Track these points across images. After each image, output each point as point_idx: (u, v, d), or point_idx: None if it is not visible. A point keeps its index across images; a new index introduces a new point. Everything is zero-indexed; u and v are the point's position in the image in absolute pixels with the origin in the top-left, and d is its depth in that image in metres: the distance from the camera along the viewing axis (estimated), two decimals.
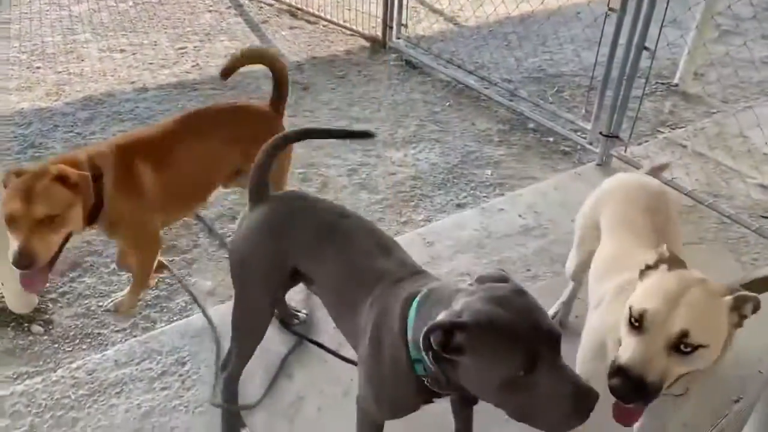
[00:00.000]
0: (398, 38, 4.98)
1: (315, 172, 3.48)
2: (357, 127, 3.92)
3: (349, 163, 3.59)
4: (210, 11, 5.62)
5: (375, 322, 1.55)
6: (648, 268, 1.49)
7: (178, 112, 3.89)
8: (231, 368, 2.04)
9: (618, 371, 1.34)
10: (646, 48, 3.28)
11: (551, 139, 3.94)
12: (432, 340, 1.26)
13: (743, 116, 3.86)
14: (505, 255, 2.92)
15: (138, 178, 2.19)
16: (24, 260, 1.88)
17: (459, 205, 3.33)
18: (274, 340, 2.39)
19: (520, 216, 3.19)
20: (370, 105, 4.21)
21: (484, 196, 3.40)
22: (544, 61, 4.96)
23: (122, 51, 4.73)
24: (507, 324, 1.24)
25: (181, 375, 2.24)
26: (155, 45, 4.86)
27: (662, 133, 4.08)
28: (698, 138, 3.92)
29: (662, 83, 4.67)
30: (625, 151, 3.60)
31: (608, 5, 3.35)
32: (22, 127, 3.67)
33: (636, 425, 1.79)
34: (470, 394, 1.39)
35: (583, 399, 1.24)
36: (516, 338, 1.23)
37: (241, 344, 2.00)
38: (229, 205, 3.15)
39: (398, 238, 2.94)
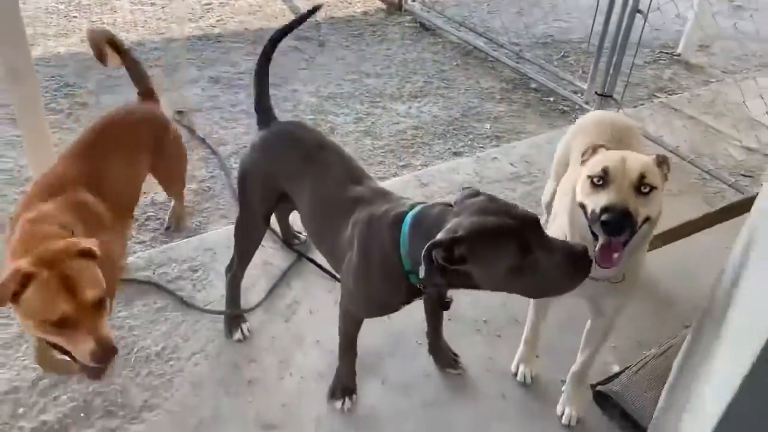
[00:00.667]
0: (413, 1, 5.19)
1: (323, 119, 3.74)
2: (367, 81, 4.17)
3: (356, 112, 3.85)
4: None
5: (362, 240, 1.78)
6: (588, 153, 1.79)
7: (201, 60, 4.22)
8: (233, 271, 2.34)
9: (605, 210, 1.59)
10: (639, 11, 3.47)
11: (551, 98, 4.15)
12: (435, 256, 1.48)
13: (742, 86, 4.04)
14: (491, 191, 3.17)
15: (97, 213, 1.99)
16: (109, 352, 1.66)
17: (456, 153, 3.58)
18: (276, 257, 2.69)
19: (511, 164, 3.43)
20: (381, 62, 4.45)
21: (481, 147, 3.64)
22: (553, 28, 5.15)
23: (152, 4, 5.01)
24: (494, 226, 1.48)
25: (192, 280, 2.55)
26: (183, 0, 5.13)
27: (658, 98, 4.26)
28: (692, 104, 4.11)
29: (666, 53, 4.84)
30: (619, 110, 3.81)
31: None
32: (58, 68, 3.98)
33: (586, 328, 2.06)
34: (445, 296, 1.70)
35: (579, 257, 1.50)
36: (505, 233, 1.47)
37: (240, 250, 2.30)
38: (243, 144, 3.43)
39: (395, 180, 3.24)
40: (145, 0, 5.07)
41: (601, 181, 1.65)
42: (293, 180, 2.02)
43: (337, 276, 2.46)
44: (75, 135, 2.83)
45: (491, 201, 1.58)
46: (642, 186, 1.62)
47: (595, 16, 3.81)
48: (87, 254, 1.68)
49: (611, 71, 3.70)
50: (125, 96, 3.73)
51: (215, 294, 2.47)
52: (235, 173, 3.15)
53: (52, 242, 1.68)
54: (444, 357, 2.29)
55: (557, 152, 2.46)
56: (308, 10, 2.24)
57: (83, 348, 1.63)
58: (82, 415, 2.02)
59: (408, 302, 1.83)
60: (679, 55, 4.78)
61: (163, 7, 4.98)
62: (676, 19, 3.97)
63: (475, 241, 1.48)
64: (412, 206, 1.72)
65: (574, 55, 4.73)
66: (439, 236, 1.50)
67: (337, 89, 4.07)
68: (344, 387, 2.14)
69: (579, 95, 4.05)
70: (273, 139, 2.09)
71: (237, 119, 3.67)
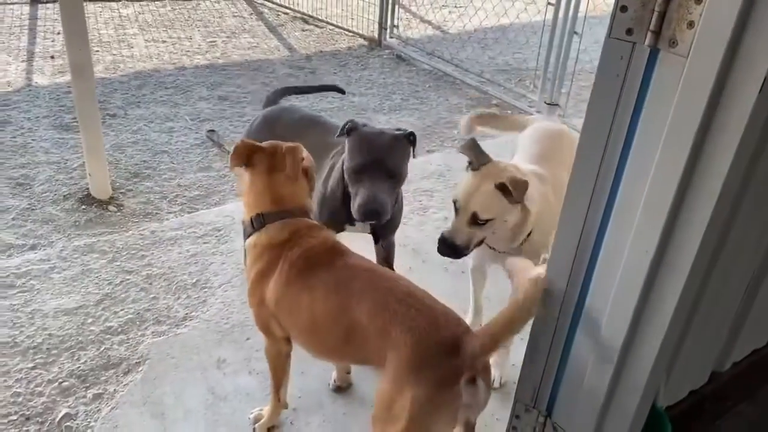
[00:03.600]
0: (391, 38, 5.99)
1: None
2: (353, 99, 4.89)
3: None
4: (234, 16, 6.67)
5: (328, 171, 2.43)
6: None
7: (210, 83, 4.92)
8: None
9: (441, 239, 2.12)
10: (575, 32, 4.25)
11: (509, 111, 4.89)
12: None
13: None
14: (459, 180, 3.85)
15: None
16: None
17: (429, 151, 4.27)
18: None
19: None
20: (365, 85, 5.20)
21: (450, 146, 4.34)
22: (512, 58, 5.95)
23: (164, 42, 5.76)
24: (364, 142, 2.18)
25: (217, 236, 3.16)
26: (190, 39, 5.89)
27: None
28: None
29: None
30: (564, 116, 4.54)
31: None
32: None
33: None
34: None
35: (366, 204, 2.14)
36: (361, 151, 2.16)
37: None
38: None
39: None
40: (157, 38, 5.82)
41: (454, 208, 2.11)
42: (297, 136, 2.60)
43: None
44: (110, 138, 3.51)
45: (393, 138, 2.25)
46: (478, 220, 2.04)
47: (541, 36, 4.60)
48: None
49: (555, 85, 4.45)
50: (150, 110, 4.43)
51: (236, 246, 3.08)
52: None
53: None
54: None
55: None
56: (335, 87, 3.04)
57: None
58: (137, 323, 2.60)
59: (350, 223, 2.40)
60: None
61: (173, 44, 5.72)
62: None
63: (356, 134, 2.22)
64: None
65: (529, 79, 5.51)
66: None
67: (328, 105, 4.78)
68: None
69: (532, 108, 4.80)
70: (273, 114, 2.72)
71: (243, 126, 4.34)
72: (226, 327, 2.60)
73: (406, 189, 3.62)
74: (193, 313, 2.67)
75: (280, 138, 2.33)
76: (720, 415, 2.36)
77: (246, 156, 1.92)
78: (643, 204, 1.31)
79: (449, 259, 3.10)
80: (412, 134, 2.32)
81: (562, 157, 2.62)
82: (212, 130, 4.18)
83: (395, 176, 2.24)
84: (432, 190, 3.72)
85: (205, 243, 3.10)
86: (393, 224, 2.51)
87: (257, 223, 1.91)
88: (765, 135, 1.35)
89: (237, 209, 3.34)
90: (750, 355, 2.56)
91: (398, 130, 2.33)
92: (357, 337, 1.70)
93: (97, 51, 5.40)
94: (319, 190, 2.46)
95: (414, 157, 2.42)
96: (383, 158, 2.20)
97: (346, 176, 2.26)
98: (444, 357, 1.52)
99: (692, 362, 2.25)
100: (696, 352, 2.19)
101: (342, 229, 2.47)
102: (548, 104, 4.51)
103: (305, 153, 2.01)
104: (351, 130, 2.25)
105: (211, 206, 3.45)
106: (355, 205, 2.20)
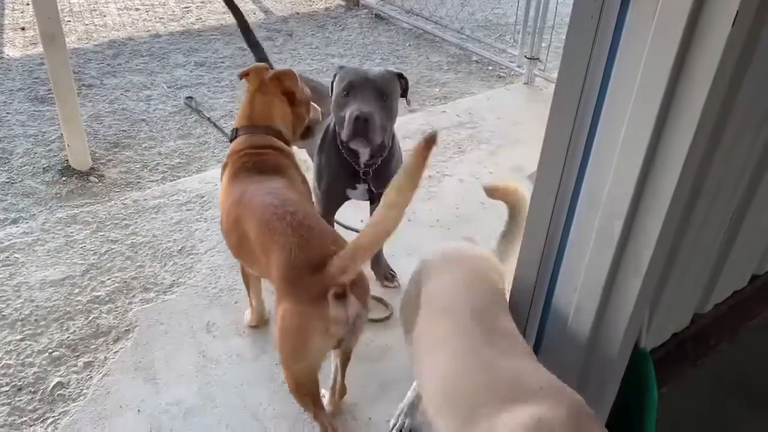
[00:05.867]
0: None
1: None
2: (332, 60, 4.84)
3: (325, 82, 4.50)
4: None
5: (321, 138, 2.39)
6: None
7: (186, 49, 4.83)
8: None
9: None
10: None
11: (490, 67, 4.86)
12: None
13: None
14: (441, 139, 3.84)
15: None
16: None
17: (411, 111, 4.24)
18: None
19: (457, 115, 4.11)
20: (344, 46, 5.13)
21: (432, 105, 4.32)
22: (492, 14, 5.89)
23: (137, 9, 5.63)
24: (348, 71, 2.17)
25: (200, 203, 3.14)
26: (164, 5, 5.77)
27: None
28: None
29: None
30: (544, 70, 4.52)
31: None
32: None
33: None
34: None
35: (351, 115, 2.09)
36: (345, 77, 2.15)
37: None
38: (229, 109, 4.05)
39: None
40: (129, 6, 5.69)
41: None
42: None
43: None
44: (87, 108, 3.46)
45: (385, 70, 2.24)
46: None
47: None
48: None
49: (535, 38, 4.42)
50: (126, 79, 4.36)
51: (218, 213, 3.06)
52: (226, 130, 3.78)
53: None
54: (382, 271, 2.66)
55: None
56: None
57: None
58: (124, 291, 2.60)
59: (352, 186, 2.37)
60: None
61: (146, 11, 5.60)
62: None
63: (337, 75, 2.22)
64: None
65: (510, 34, 5.47)
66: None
67: (307, 67, 4.72)
68: None
69: (513, 63, 4.76)
70: None
71: (222, 92, 4.29)
72: (214, 291, 2.61)
73: None
74: (180, 280, 2.67)
75: None
76: (702, 355, 2.41)
77: (246, 73, 2.20)
78: (621, 144, 1.32)
79: (436, 217, 3.13)
80: (401, 74, 2.29)
81: None
82: (190, 97, 4.12)
83: (386, 98, 2.17)
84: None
85: (188, 210, 3.08)
86: (389, 174, 2.45)
87: (231, 135, 2.19)
88: (740, 70, 1.36)
89: (218, 174, 3.32)
90: (731, 296, 2.61)
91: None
92: (248, 250, 1.89)
93: (69, 21, 5.28)
94: (315, 161, 2.44)
95: (408, 103, 2.43)
96: (372, 78, 2.15)
97: (333, 109, 2.22)
98: (311, 273, 1.62)
99: (674, 305, 2.30)
100: (678, 295, 2.23)
101: (345, 197, 2.44)
102: (528, 58, 4.47)
103: (297, 82, 2.20)
104: (339, 68, 2.24)
105: (192, 173, 3.43)
106: (343, 127, 2.12)
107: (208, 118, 3.90)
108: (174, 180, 3.35)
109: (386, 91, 2.17)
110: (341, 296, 1.61)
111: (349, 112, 2.10)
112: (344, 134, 2.14)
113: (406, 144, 3.77)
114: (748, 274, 2.65)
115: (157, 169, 3.46)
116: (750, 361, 2.43)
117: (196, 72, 4.52)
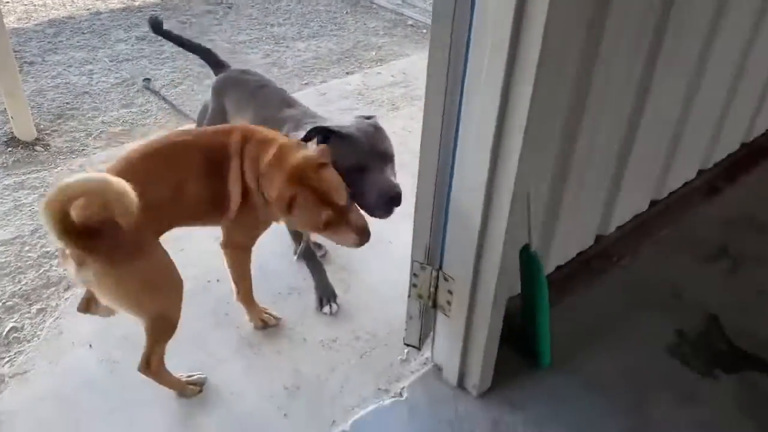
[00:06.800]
0: None
1: (236, 58, 4.53)
2: (271, 29, 4.98)
3: (264, 51, 4.67)
4: None
5: None
6: None
7: (128, 25, 4.92)
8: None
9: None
10: None
11: (425, 30, 5.06)
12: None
13: None
14: (376, 98, 4.04)
15: None
16: (367, 236, 1.99)
17: (348, 73, 4.42)
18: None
19: (392, 76, 4.31)
20: (282, 15, 5.27)
21: (368, 68, 4.51)
22: None
23: None
24: (356, 139, 2.07)
25: None
26: None
27: None
28: None
29: None
30: None
31: None
32: None
33: None
34: None
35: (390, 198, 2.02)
36: (357, 148, 2.05)
37: None
38: (171, 78, 4.17)
39: (299, 92, 4.05)
40: None
41: None
42: (238, 110, 2.53)
43: None
44: (30, 84, 3.57)
45: (373, 127, 2.13)
46: None
47: None
48: (324, 165, 1.94)
49: None
50: (68, 55, 4.45)
51: None
52: (171, 99, 3.92)
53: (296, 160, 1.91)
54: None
55: None
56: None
57: (349, 239, 1.96)
58: None
59: None
60: None
61: None
62: None
63: (338, 137, 2.07)
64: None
65: None
66: (325, 124, 2.14)
67: (247, 37, 4.86)
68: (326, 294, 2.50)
69: None
70: (223, 82, 2.65)
71: (164, 63, 4.41)
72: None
73: (326, 108, 3.81)
74: None
75: (230, 111, 2.55)
76: (605, 270, 2.68)
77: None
78: (489, 50, 1.54)
79: None
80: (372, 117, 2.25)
81: None
82: (147, 79, 4.16)
83: (393, 161, 2.16)
84: (351, 108, 3.90)
85: None
86: None
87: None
88: None
89: None
90: (632, 219, 2.89)
91: (365, 116, 2.24)
92: None
93: (8, 2, 5.30)
94: None
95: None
96: (383, 149, 2.12)
97: (349, 174, 2.03)
98: None
99: (576, 227, 2.56)
100: (577, 216, 2.49)
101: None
102: None
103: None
104: (325, 136, 2.09)
105: (136, 139, 3.57)
106: (373, 197, 2.03)
107: (164, 98, 3.97)
108: (117, 146, 3.49)
109: (392, 154, 2.17)
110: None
111: (381, 185, 2.04)
112: (375, 203, 2.05)
113: (342, 104, 3.98)
114: (647, 198, 2.92)
115: (101, 137, 3.59)
116: (649, 270, 2.70)
117: (138, 46, 4.62)
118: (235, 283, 2.30)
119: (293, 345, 2.33)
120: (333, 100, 3.99)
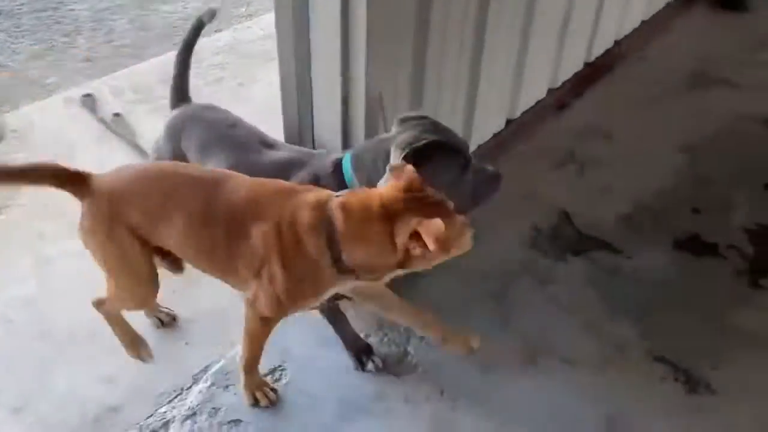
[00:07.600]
0: None
1: (101, 24, 4.46)
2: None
3: (130, 16, 4.62)
4: None
5: None
6: None
7: None
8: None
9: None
10: None
11: None
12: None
13: None
14: (249, 51, 4.13)
15: None
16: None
17: (217, 31, 4.42)
18: None
19: (261, 29, 4.37)
20: None
21: (238, 23, 4.56)
22: None
23: None
24: (451, 142, 1.84)
25: (17, 137, 3.26)
26: None
27: None
28: None
29: None
30: None
31: None
32: None
33: None
34: None
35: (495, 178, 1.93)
36: (455, 150, 1.84)
37: None
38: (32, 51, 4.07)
39: (169, 54, 4.03)
40: None
41: None
42: (204, 156, 2.05)
43: None
44: None
45: (437, 124, 1.87)
46: None
47: None
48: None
49: None
50: None
51: (40, 147, 3.21)
52: None
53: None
54: None
55: None
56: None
57: (467, 238, 1.61)
58: None
59: None
60: None
61: None
62: None
63: (434, 151, 1.75)
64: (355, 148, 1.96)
65: None
66: (402, 143, 1.72)
67: (110, 3, 4.78)
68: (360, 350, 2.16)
69: None
70: (178, 121, 2.17)
71: (23, 36, 4.28)
72: (43, 206, 2.81)
73: (199, 65, 3.85)
74: (7, 203, 2.84)
75: (192, 156, 2.09)
76: (508, 151, 3.04)
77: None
78: None
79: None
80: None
81: None
82: (88, 95, 3.56)
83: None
84: (223, 63, 3.96)
85: (7, 146, 3.20)
86: None
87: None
88: None
89: (33, 111, 3.43)
90: (492, 138, 3.18)
91: (414, 116, 1.92)
92: None
93: None
94: None
95: None
96: (460, 139, 1.96)
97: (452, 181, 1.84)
98: None
99: (488, 112, 2.86)
100: (488, 103, 2.82)
101: None
102: None
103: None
104: (424, 157, 1.73)
105: (4, 113, 3.50)
106: (484, 185, 1.93)
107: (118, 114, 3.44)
108: None
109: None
110: None
111: (489, 173, 1.94)
112: (490, 190, 1.95)
113: (214, 59, 4.03)
114: (503, 118, 3.20)
115: None
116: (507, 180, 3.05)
117: None
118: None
119: None
120: (205, 58, 4.03)
